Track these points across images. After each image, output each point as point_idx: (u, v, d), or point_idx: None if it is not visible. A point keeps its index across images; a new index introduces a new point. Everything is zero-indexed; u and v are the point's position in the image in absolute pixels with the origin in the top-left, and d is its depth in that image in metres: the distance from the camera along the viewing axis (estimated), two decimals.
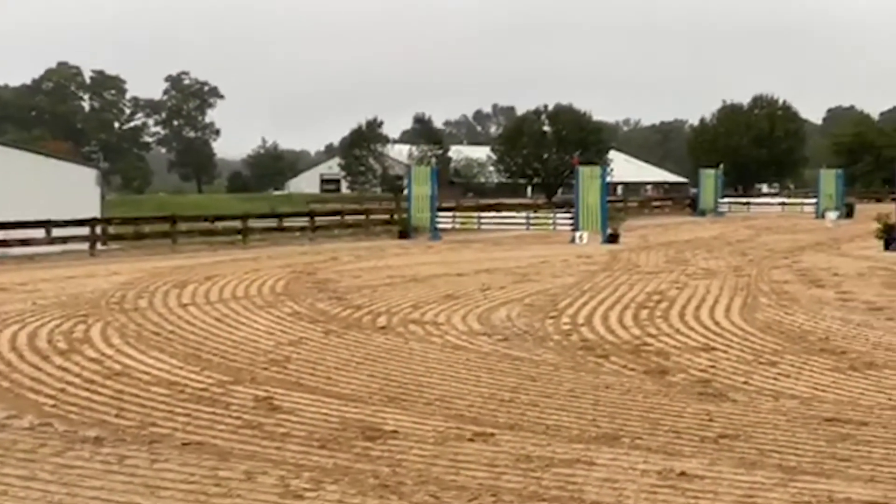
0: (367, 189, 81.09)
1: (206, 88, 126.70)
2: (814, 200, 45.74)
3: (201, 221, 31.06)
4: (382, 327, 11.86)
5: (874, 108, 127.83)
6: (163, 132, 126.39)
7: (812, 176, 60.45)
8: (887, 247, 23.08)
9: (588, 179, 28.34)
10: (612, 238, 27.03)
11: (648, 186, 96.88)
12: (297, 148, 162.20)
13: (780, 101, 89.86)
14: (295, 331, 11.64)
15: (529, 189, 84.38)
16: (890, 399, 7.91)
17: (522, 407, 7.71)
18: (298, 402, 7.94)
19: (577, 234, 27.36)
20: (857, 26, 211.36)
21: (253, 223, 30.81)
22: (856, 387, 8.39)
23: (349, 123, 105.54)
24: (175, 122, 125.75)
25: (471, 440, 6.75)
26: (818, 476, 5.91)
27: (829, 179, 44.92)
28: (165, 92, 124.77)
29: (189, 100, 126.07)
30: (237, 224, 29.96)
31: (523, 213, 34.14)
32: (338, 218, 35.19)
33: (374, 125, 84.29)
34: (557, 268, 19.32)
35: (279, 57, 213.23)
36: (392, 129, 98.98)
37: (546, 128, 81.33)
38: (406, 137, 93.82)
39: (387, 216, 35.93)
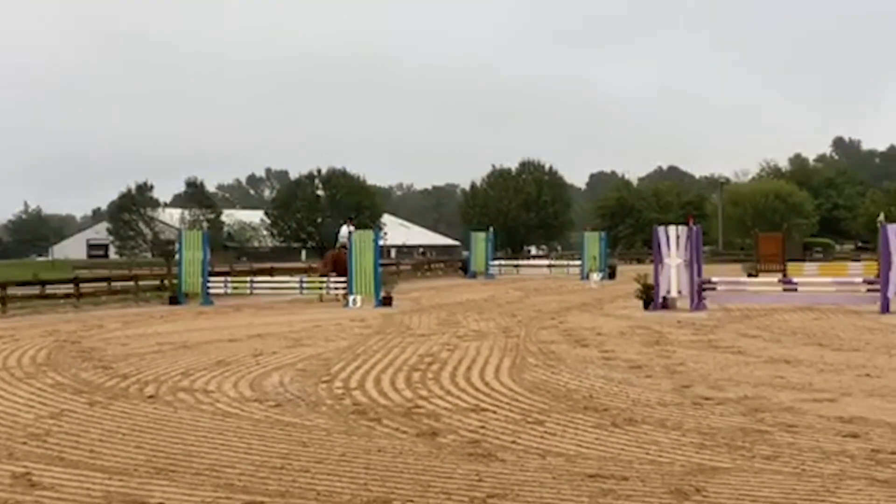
0: (137, 254, 79.10)
1: None
2: (579, 262, 47.26)
3: None
4: (151, 396, 11.54)
5: (633, 174, 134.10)
6: None
7: (577, 238, 62.62)
8: (646, 306, 24.15)
9: (361, 243, 28.48)
10: (386, 301, 27.23)
11: (421, 249, 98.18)
12: (62, 212, 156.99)
13: (547, 167, 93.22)
14: (57, 402, 11.17)
15: (304, 253, 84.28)
16: (648, 453, 8.23)
17: (294, 474, 7.63)
18: (59, 477, 7.61)
19: (351, 297, 27.44)
20: (614, 100, 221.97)
21: (13, 290, 29.47)
22: (617, 443, 8.70)
23: (118, 187, 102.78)
24: None
25: None
26: None
27: (592, 242, 46.42)
28: None
29: None
30: None
31: (297, 277, 33.98)
32: (105, 284, 34.09)
33: (144, 189, 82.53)
34: (331, 332, 19.30)
35: (42, 120, 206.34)
36: (163, 193, 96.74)
37: (320, 192, 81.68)
38: (178, 202, 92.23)
39: (157, 282, 35.08)
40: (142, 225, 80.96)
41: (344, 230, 32.52)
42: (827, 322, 20.44)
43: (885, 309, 22.37)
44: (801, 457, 8.03)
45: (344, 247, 30.90)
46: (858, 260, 51.18)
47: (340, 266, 30.31)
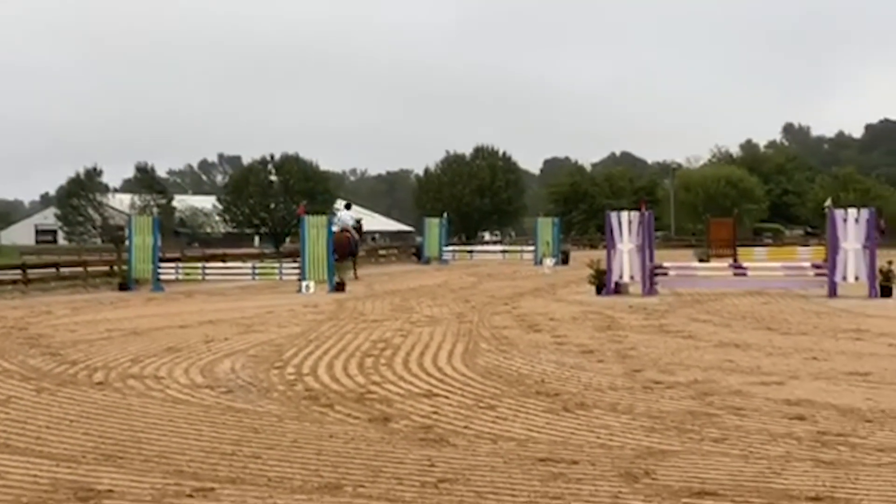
0: (87, 240, 78.22)
1: None
2: (532, 248, 47.33)
3: None
4: (99, 383, 11.43)
5: (587, 160, 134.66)
6: None
7: (531, 224, 62.73)
8: (599, 292, 24.26)
9: (314, 229, 28.37)
10: (339, 287, 27.16)
11: (376, 235, 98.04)
12: (9, 198, 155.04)
13: (501, 152, 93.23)
14: (3, 389, 11.04)
15: (257, 239, 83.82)
16: (598, 437, 8.28)
17: (244, 460, 7.60)
18: (5, 464, 7.52)
19: (304, 283, 27.32)
20: (567, 86, 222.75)
21: None
22: (567, 427, 8.74)
23: (67, 172, 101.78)
24: None
25: (190, 496, 6.59)
26: None
27: (546, 227, 46.48)
28: None
29: None
30: None
31: (249, 263, 33.80)
32: (53, 270, 33.72)
33: (93, 174, 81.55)
34: (283, 318, 19.22)
35: None
36: (113, 178, 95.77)
37: (273, 177, 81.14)
38: (128, 187, 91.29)
39: (107, 268, 34.75)
40: (91, 210, 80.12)
41: (344, 214, 35.33)
42: (776, 306, 20.66)
43: (833, 293, 22.64)
44: (749, 439, 8.11)
45: (344, 230, 33.14)
46: (807, 245, 51.79)
47: (341, 248, 31.74)
